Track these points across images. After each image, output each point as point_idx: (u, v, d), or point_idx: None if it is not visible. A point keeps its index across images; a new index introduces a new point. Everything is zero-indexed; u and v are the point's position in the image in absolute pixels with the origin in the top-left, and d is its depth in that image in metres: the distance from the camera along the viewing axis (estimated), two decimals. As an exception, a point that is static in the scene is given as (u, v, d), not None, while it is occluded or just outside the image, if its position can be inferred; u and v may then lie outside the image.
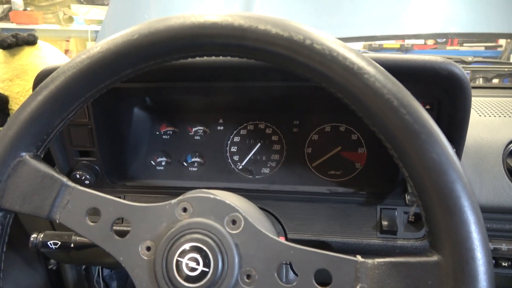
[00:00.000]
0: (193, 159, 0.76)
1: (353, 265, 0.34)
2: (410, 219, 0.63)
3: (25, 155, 0.39)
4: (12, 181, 0.39)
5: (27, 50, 0.69)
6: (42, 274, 0.94)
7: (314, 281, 0.34)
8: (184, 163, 0.76)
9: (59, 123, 0.41)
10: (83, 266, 1.05)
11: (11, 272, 0.87)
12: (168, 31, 0.37)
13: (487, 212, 0.62)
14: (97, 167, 0.67)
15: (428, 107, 0.55)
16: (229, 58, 0.56)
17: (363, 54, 0.36)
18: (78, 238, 0.56)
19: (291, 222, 0.65)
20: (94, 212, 0.40)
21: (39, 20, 2.81)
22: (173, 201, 0.39)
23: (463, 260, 0.30)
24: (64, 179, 0.40)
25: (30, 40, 0.68)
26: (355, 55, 0.34)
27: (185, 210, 0.38)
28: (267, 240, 0.36)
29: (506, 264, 0.63)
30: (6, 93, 0.69)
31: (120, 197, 0.70)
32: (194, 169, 0.76)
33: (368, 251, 0.61)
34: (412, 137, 0.32)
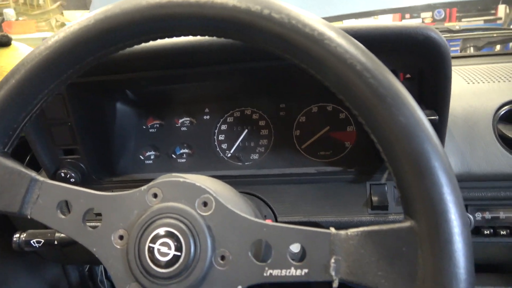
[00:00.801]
0: (181, 151, 0.76)
1: (327, 237, 0.33)
2: (401, 194, 0.62)
3: None
4: None
5: (2, 52, 0.69)
6: (45, 277, 0.94)
7: (288, 257, 0.34)
8: (173, 155, 0.75)
9: (24, 118, 0.40)
10: (86, 267, 1.05)
11: (14, 276, 0.88)
12: (124, 15, 0.36)
13: (481, 181, 0.60)
14: (82, 165, 0.67)
15: (408, 76, 0.53)
16: (198, 40, 0.55)
17: (320, 19, 0.34)
18: (62, 235, 0.56)
19: (281, 205, 0.64)
20: (66, 205, 0.39)
21: (32, 29, 2.81)
22: (143, 188, 0.38)
23: (436, 224, 0.28)
24: (33, 174, 0.39)
25: (4, 42, 0.67)
26: (315, 21, 0.33)
27: (155, 195, 0.37)
28: (240, 220, 0.35)
29: (504, 232, 0.61)
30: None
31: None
32: (183, 160, 0.75)
33: None
34: (377, 101, 0.31)
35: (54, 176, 0.66)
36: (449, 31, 0.81)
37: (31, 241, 0.54)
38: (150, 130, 0.77)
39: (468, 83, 0.68)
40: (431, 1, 1.22)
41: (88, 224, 0.38)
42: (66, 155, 0.67)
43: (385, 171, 0.61)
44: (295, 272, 0.33)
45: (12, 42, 0.70)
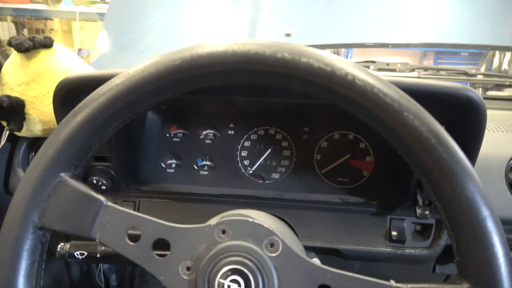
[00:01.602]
0: (203, 163, 0.77)
1: None
2: (416, 229, 0.67)
3: (64, 176, 0.40)
4: (53, 201, 0.39)
5: (43, 53, 0.68)
6: (50, 271, 0.94)
7: None
8: (195, 166, 0.77)
9: (96, 143, 0.41)
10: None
11: None
12: (209, 58, 0.38)
13: None
14: (112, 172, 0.68)
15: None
16: None
17: (397, 88, 0.37)
18: (104, 248, 0.57)
19: (304, 230, 0.67)
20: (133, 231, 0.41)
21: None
22: (212, 223, 0.40)
23: None
24: (103, 199, 0.40)
25: (47, 43, 0.67)
26: (394, 92, 0.36)
27: (224, 232, 0.40)
28: (305, 264, 0.38)
29: None
30: (22, 97, 0.68)
31: (134, 202, 0.71)
32: (204, 172, 0.77)
33: (378, 259, 0.64)
34: (448, 175, 0.34)
35: (84, 182, 0.66)
36: (466, 74, 0.86)
37: (75, 253, 0.55)
38: (174, 139, 0.78)
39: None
40: (424, 41, 1.27)
41: (155, 252, 0.40)
42: (96, 161, 0.68)
43: (406, 208, 0.65)
44: None
45: (54, 44, 0.69)
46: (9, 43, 0.65)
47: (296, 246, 0.43)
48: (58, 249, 0.56)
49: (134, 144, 0.72)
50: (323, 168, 0.75)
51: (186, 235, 0.40)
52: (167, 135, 0.78)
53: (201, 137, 0.78)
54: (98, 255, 0.56)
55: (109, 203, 0.40)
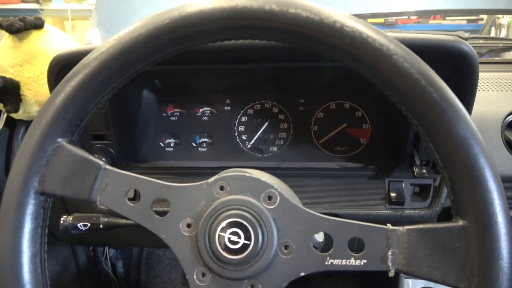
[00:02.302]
0: (201, 140, 0.78)
1: (384, 232, 0.37)
2: (415, 190, 0.67)
3: (62, 141, 0.40)
4: (51, 166, 0.40)
5: (35, 34, 0.68)
6: (56, 257, 0.95)
7: (348, 249, 0.38)
8: (193, 144, 0.78)
9: (92, 108, 0.42)
10: (91, 248, 1.07)
11: None
12: (199, 15, 0.38)
13: None
14: (112, 150, 0.68)
15: None
16: (241, 41, 0.57)
17: (386, 33, 0.37)
18: (106, 219, 0.58)
19: (304, 197, 0.68)
20: (132, 193, 0.41)
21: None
22: (210, 180, 0.41)
23: (487, 224, 0.33)
24: (101, 163, 0.41)
25: (38, 24, 0.67)
26: (383, 37, 0.36)
27: (222, 188, 0.40)
28: (302, 213, 0.39)
29: None
30: (17, 78, 0.68)
31: None
32: (203, 149, 0.78)
33: (377, 222, 0.64)
34: (439, 114, 0.35)
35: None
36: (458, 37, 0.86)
37: (78, 225, 0.56)
38: (171, 118, 0.79)
39: (478, 90, 0.73)
40: (419, 8, 1.26)
41: (155, 210, 0.41)
42: (95, 140, 0.68)
43: (404, 170, 0.66)
44: (354, 262, 0.37)
45: (45, 25, 0.69)
46: (0, 25, 0.65)
47: (294, 198, 0.43)
48: (61, 222, 0.57)
49: (132, 124, 0.73)
50: (320, 138, 0.75)
51: (185, 193, 0.41)
52: (164, 114, 0.79)
53: (198, 114, 0.78)
54: (101, 226, 0.57)
55: (108, 166, 0.41)
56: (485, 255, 0.33)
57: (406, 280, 0.80)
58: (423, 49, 0.51)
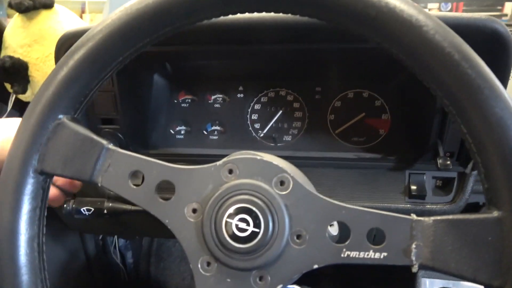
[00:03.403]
0: (213, 128, 0.75)
1: (408, 223, 0.33)
2: (437, 184, 0.63)
3: (64, 118, 0.38)
4: (52, 144, 0.38)
5: (45, 14, 0.66)
6: (65, 245, 0.95)
7: (367, 240, 0.34)
8: (204, 132, 0.75)
9: (96, 85, 0.39)
10: (100, 237, 1.06)
11: None
12: None
13: None
14: (120, 135, 0.66)
15: None
16: (260, 18, 0.54)
17: (414, 3, 0.34)
18: (111, 204, 0.56)
19: (318, 188, 0.64)
20: (136, 175, 0.39)
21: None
22: (218, 163, 0.38)
23: None
24: (105, 142, 0.39)
25: (48, 3, 0.65)
26: (412, 7, 0.33)
27: (231, 171, 0.37)
28: (317, 201, 0.36)
29: None
30: (25, 59, 0.67)
31: None
32: (214, 137, 0.75)
33: None
34: (474, 92, 0.31)
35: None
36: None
37: (81, 209, 0.54)
38: (182, 105, 0.76)
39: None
40: None
41: (159, 195, 0.38)
42: (104, 124, 0.66)
43: (426, 161, 0.62)
44: (373, 255, 0.34)
45: (55, 5, 0.68)
46: (9, 4, 0.64)
47: (308, 184, 0.40)
48: (65, 206, 0.55)
49: (142, 109, 0.71)
50: (337, 128, 0.72)
51: (191, 176, 0.38)
52: (175, 101, 0.76)
53: (210, 102, 0.76)
54: (105, 211, 0.55)
55: (111, 146, 0.39)
56: None
57: (423, 279, 0.76)
58: (455, 29, 0.47)
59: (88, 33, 0.38)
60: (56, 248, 0.90)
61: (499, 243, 0.30)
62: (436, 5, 2.49)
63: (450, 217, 0.32)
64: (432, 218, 0.33)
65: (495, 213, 0.31)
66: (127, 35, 0.37)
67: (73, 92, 0.38)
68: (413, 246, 0.33)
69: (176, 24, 0.38)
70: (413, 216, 0.34)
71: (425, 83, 0.34)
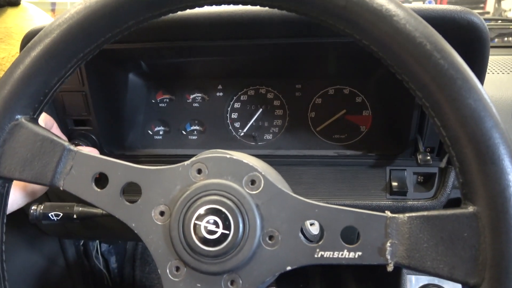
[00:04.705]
0: (192, 127, 0.74)
1: (383, 221, 0.32)
2: (419, 180, 0.62)
3: (21, 118, 0.36)
4: (9, 146, 0.36)
5: (11, 12, 0.64)
6: (43, 251, 0.92)
7: (341, 239, 0.33)
8: (183, 132, 0.73)
9: (56, 83, 0.37)
10: (81, 242, 1.03)
11: (14, 249, 0.85)
12: None
13: None
14: (93, 137, 0.64)
15: None
16: (231, 12, 0.53)
17: None
18: (81, 208, 0.54)
19: (299, 187, 0.63)
20: (100, 178, 0.37)
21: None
22: (186, 162, 0.36)
23: (502, 210, 0.28)
24: (66, 143, 0.37)
25: (13, 1, 0.63)
26: None
27: (199, 171, 0.36)
28: (290, 200, 0.34)
29: None
30: (-10, 59, 0.65)
31: None
32: (194, 137, 0.73)
33: None
34: (447, 83, 0.30)
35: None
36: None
37: (49, 214, 0.52)
38: (160, 105, 0.75)
39: (488, 72, 0.68)
40: None
41: (125, 198, 0.36)
42: (77, 125, 0.64)
43: (406, 157, 0.61)
44: (348, 254, 0.32)
45: (22, 2, 0.65)
46: (-27, 2, 0.61)
47: (281, 183, 0.39)
48: (31, 211, 0.52)
49: (117, 109, 0.68)
50: (318, 125, 0.71)
51: (158, 177, 0.36)
52: (153, 101, 0.74)
53: (188, 101, 0.74)
54: (75, 216, 0.52)
55: (72, 147, 0.37)
56: (499, 246, 0.28)
57: (408, 276, 0.76)
58: (430, 21, 0.46)
59: (46, 28, 0.36)
60: (33, 255, 0.87)
61: (475, 239, 0.29)
62: (420, 2, 2.52)
63: (425, 213, 0.31)
64: (407, 214, 0.32)
65: (471, 208, 0.30)
66: (87, 30, 0.35)
67: (31, 90, 0.36)
68: (388, 244, 0.32)
69: (139, 17, 0.36)
70: (388, 213, 0.32)
71: (397, 75, 0.33)
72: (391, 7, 0.31)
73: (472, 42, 0.48)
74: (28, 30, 0.57)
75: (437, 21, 0.47)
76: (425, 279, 0.76)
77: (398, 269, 0.78)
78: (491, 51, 0.80)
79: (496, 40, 0.86)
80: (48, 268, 0.92)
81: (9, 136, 0.36)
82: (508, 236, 0.28)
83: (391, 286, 0.78)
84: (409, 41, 0.30)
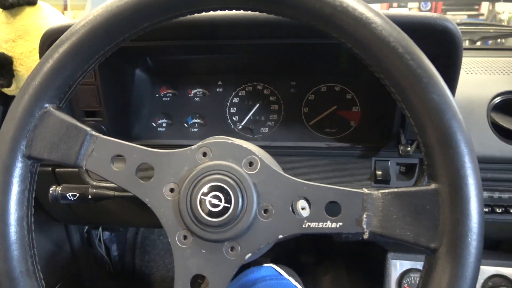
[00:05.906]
0: (193, 121, 0.79)
1: (360, 196, 0.38)
2: (401, 170, 0.68)
3: (49, 106, 0.41)
4: (39, 131, 0.41)
5: (28, 10, 0.69)
6: (51, 236, 0.97)
7: (325, 212, 0.39)
8: (185, 124, 0.79)
9: (79, 76, 0.42)
10: (85, 229, 1.08)
11: None
12: None
13: None
14: (103, 127, 0.69)
15: None
16: (233, 15, 0.58)
17: (366, 3, 0.38)
18: (95, 190, 0.59)
19: (292, 175, 0.68)
20: (117, 160, 0.42)
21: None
22: (193, 146, 0.42)
23: (458, 186, 0.34)
24: (88, 129, 0.42)
25: (31, 0, 0.68)
26: (363, 6, 0.37)
27: (205, 154, 0.41)
28: (282, 179, 0.40)
29: (500, 210, 0.69)
30: (10, 54, 0.69)
31: None
32: (195, 130, 0.79)
33: None
34: (415, 81, 0.35)
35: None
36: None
37: (67, 194, 0.57)
38: (164, 99, 0.80)
39: (467, 73, 0.74)
40: None
41: (140, 177, 0.42)
42: (87, 117, 0.69)
43: (391, 149, 0.67)
44: (331, 225, 0.38)
45: (38, 1, 0.70)
46: (-6, 1, 0.66)
47: (275, 165, 0.44)
48: (51, 192, 0.58)
49: (125, 102, 0.74)
50: (311, 120, 0.76)
51: (169, 159, 0.42)
52: (157, 95, 0.80)
53: (190, 96, 0.79)
54: (90, 197, 0.58)
55: (94, 132, 0.42)
56: (455, 216, 0.34)
57: (393, 261, 0.82)
58: (409, 26, 0.52)
59: (72, 28, 0.41)
60: (41, 240, 0.92)
61: (436, 211, 0.35)
62: (416, 4, 2.56)
63: (395, 189, 0.37)
64: (381, 191, 0.37)
65: (433, 185, 0.36)
66: (108, 30, 0.41)
67: (58, 82, 0.41)
68: (364, 216, 0.37)
69: (153, 20, 0.41)
70: (365, 190, 0.38)
71: (376, 74, 0.39)
72: (370, 16, 0.37)
73: (447, 45, 0.54)
74: (44, 27, 0.62)
75: (417, 26, 0.52)
76: (408, 264, 0.82)
77: (384, 256, 0.84)
78: (473, 53, 0.86)
79: (479, 42, 0.92)
80: (55, 253, 0.98)
81: (39, 122, 0.41)
82: (462, 207, 0.34)
83: (378, 271, 0.84)
84: (385, 44, 0.36)
